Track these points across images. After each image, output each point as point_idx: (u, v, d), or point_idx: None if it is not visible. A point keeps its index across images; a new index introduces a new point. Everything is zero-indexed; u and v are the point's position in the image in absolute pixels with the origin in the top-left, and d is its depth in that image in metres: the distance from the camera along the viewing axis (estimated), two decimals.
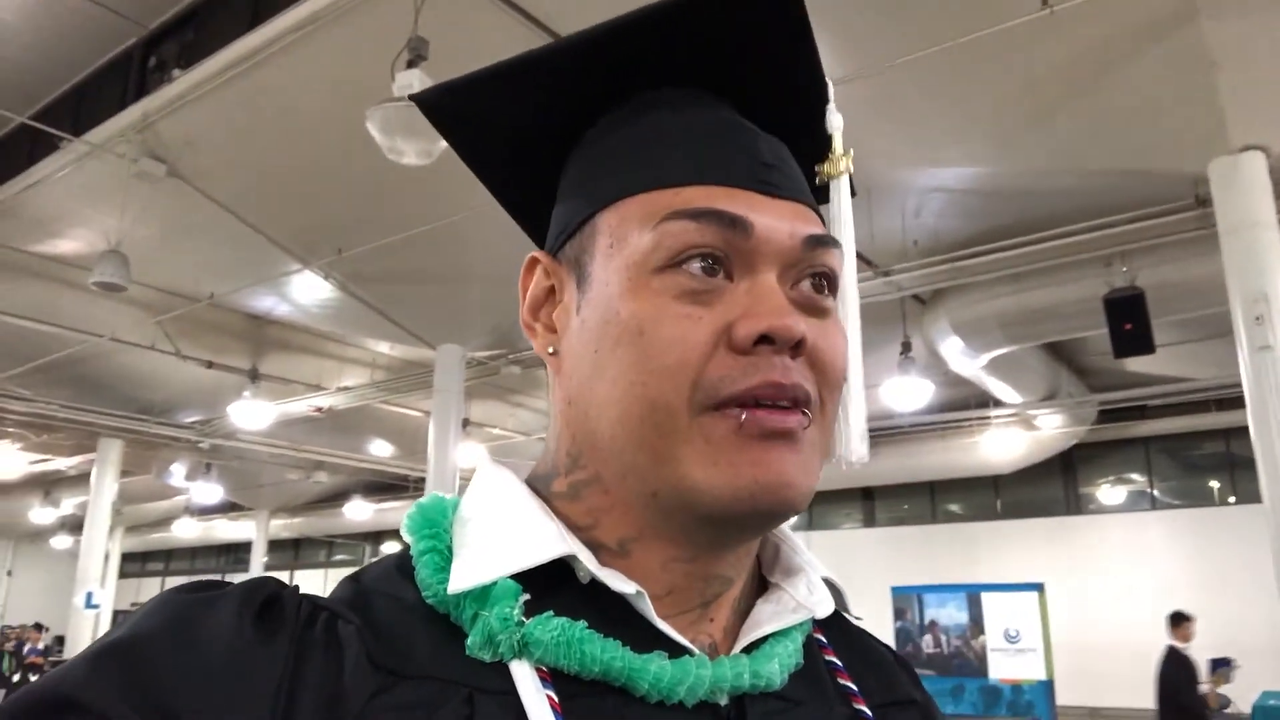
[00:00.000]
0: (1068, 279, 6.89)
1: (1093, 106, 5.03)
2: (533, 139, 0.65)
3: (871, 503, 14.96)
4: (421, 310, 8.61)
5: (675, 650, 0.55)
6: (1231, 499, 11.67)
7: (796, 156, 0.62)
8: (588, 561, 0.55)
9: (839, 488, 14.21)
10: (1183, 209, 5.73)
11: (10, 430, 12.39)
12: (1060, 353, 9.92)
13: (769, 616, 0.60)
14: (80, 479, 15.22)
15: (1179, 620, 6.65)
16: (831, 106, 0.63)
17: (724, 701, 0.56)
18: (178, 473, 14.38)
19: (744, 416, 0.53)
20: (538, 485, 0.62)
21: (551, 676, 0.52)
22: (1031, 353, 9.06)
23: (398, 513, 16.17)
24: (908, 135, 5.78)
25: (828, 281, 0.59)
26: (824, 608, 0.64)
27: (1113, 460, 12.76)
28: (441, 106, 0.65)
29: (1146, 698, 10.55)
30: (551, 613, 0.53)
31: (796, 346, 0.54)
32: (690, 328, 0.54)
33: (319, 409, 11.56)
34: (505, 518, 0.59)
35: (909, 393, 8.63)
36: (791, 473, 0.54)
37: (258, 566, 18.78)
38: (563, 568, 0.56)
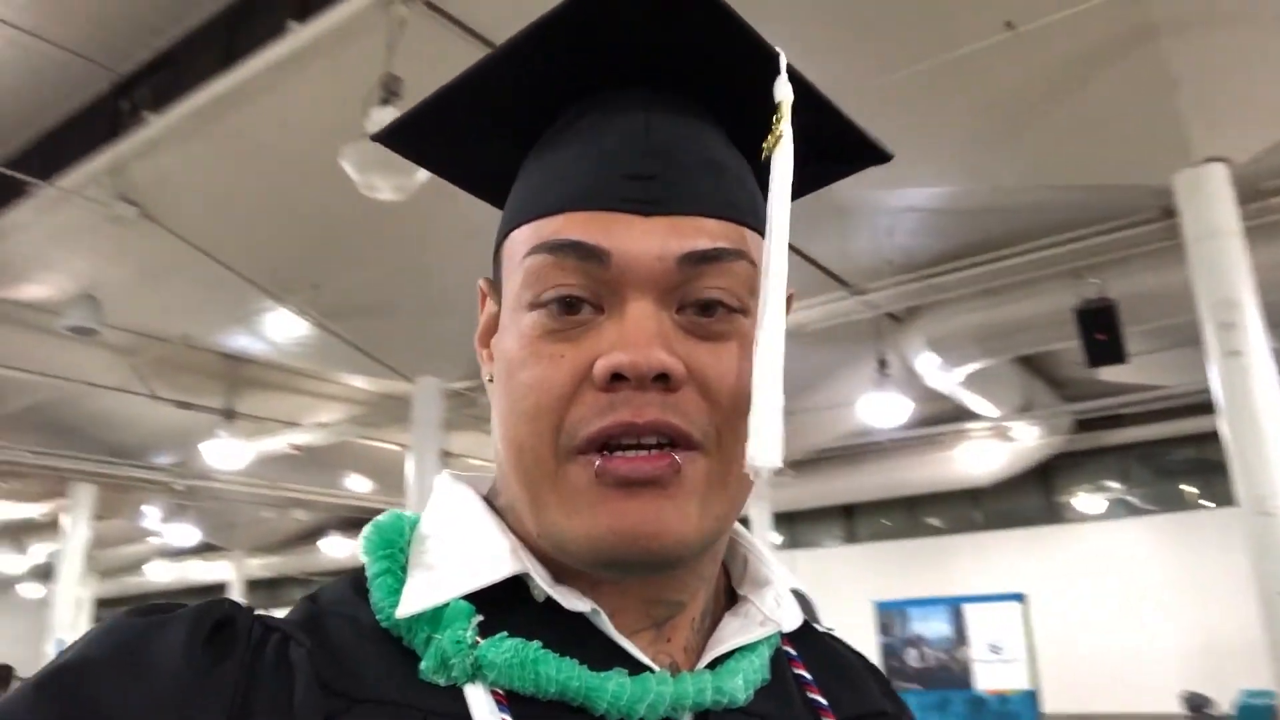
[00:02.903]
0: (1039, 292, 7.00)
1: (1058, 124, 5.14)
2: (496, 153, 0.63)
3: (852, 520, 14.99)
4: (398, 344, 8.58)
5: (635, 668, 0.53)
6: (1207, 503, 11.82)
7: (754, 141, 0.57)
8: (541, 579, 0.54)
9: (819, 505, 14.24)
10: (1150, 220, 5.86)
11: None
12: (1035, 365, 10.05)
13: (734, 631, 0.59)
14: (50, 525, 14.93)
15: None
16: (782, 78, 0.56)
17: (687, 719, 0.54)
18: (152, 515, 14.17)
19: (597, 464, 0.51)
20: (496, 501, 0.60)
21: (508, 699, 0.51)
22: (1006, 366, 9.17)
23: None
24: None
25: (721, 304, 0.54)
26: (791, 620, 0.63)
27: (1090, 469, 12.89)
28: (404, 140, 0.64)
29: (1131, 702, 10.66)
30: (506, 633, 0.52)
31: (664, 379, 0.50)
32: (550, 370, 0.52)
33: (296, 446, 11.44)
34: (459, 536, 0.57)
35: (887, 409, 8.70)
36: (658, 521, 0.51)
37: None
38: (519, 586, 0.55)
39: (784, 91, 0.56)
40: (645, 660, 0.54)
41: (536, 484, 0.53)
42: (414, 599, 0.53)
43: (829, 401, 9.45)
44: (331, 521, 17.29)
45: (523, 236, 0.56)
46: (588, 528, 0.51)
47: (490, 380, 0.60)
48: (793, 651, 0.65)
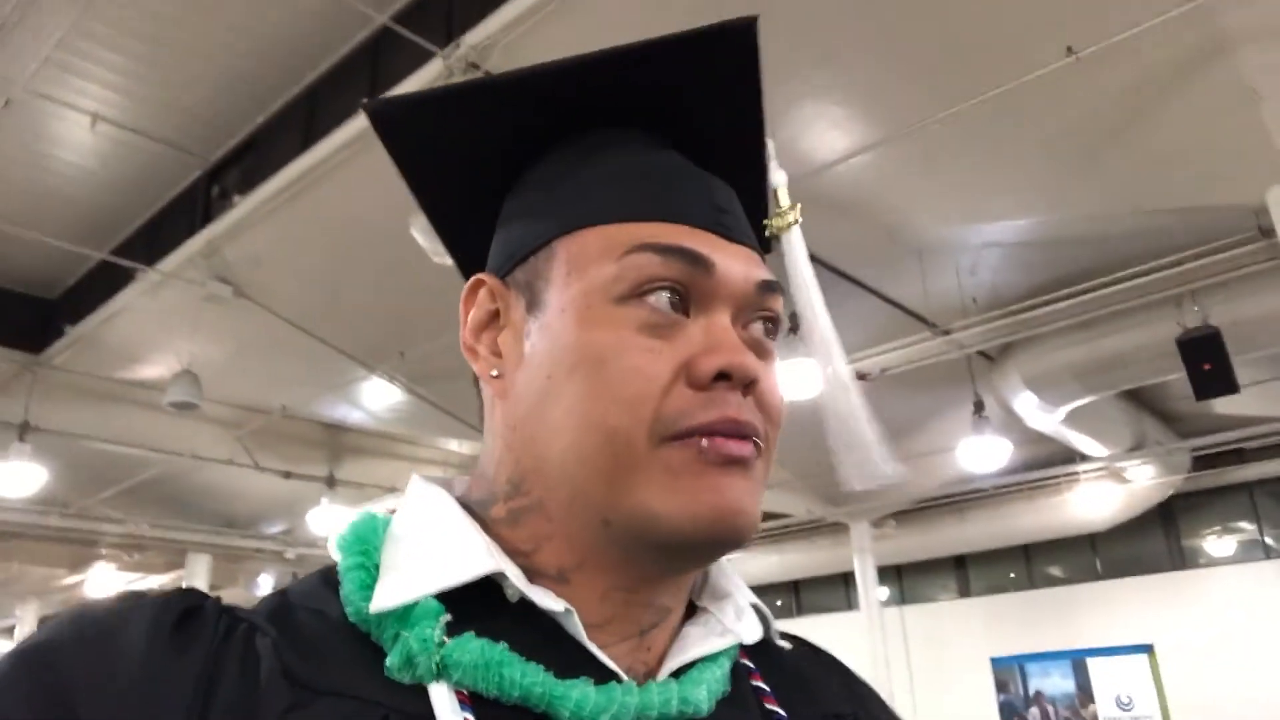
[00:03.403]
0: (1138, 323, 6.67)
1: (1135, 148, 4.93)
2: (476, 164, 0.65)
3: (965, 571, 14.39)
4: None
5: (603, 675, 0.54)
6: None
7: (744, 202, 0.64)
8: (515, 579, 0.54)
9: (930, 558, 13.74)
10: (1247, 241, 5.54)
11: (105, 552, 12.79)
12: (1142, 400, 9.54)
13: (696, 640, 0.60)
14: None
15: None
16: (774, 164, 0.64)
17: None
18: (265, 584, 14.62)
19: (704, 443, 0.54)
20: (474, 509, 0.60)
21: (472, 700, 0.51)
22: (1111, 402, 8.73)
23: None
24: (952, 193, 5.73)
25: (773, 324, 0.61)
26: (751, 633, 0.63)
27: (1216, 509, 12.10)
28: (388, 118, 0.65)
29: None
30: (473, 633, 0.52)
31: (749, 385, 0.55)
32: (651, 360, 0.54)
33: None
34: (432, 535, 0.57)
35: (986, 453, 8.35)
36: (745, 500, 0.55)
37: None
38: (492, 588, 0.55)
39: (781, 176, 0.64)
40: (613, 667, 0.55)
41: (624, 468, 0.54)
42: (386, 595, 0.53)
43: (928, 448, 9.16)
44: None
45: (608, 236, 0.58)
46: (689, 504, 0.53)
47: (496, 375, 0.61)
48: (750, 664, 0.65)
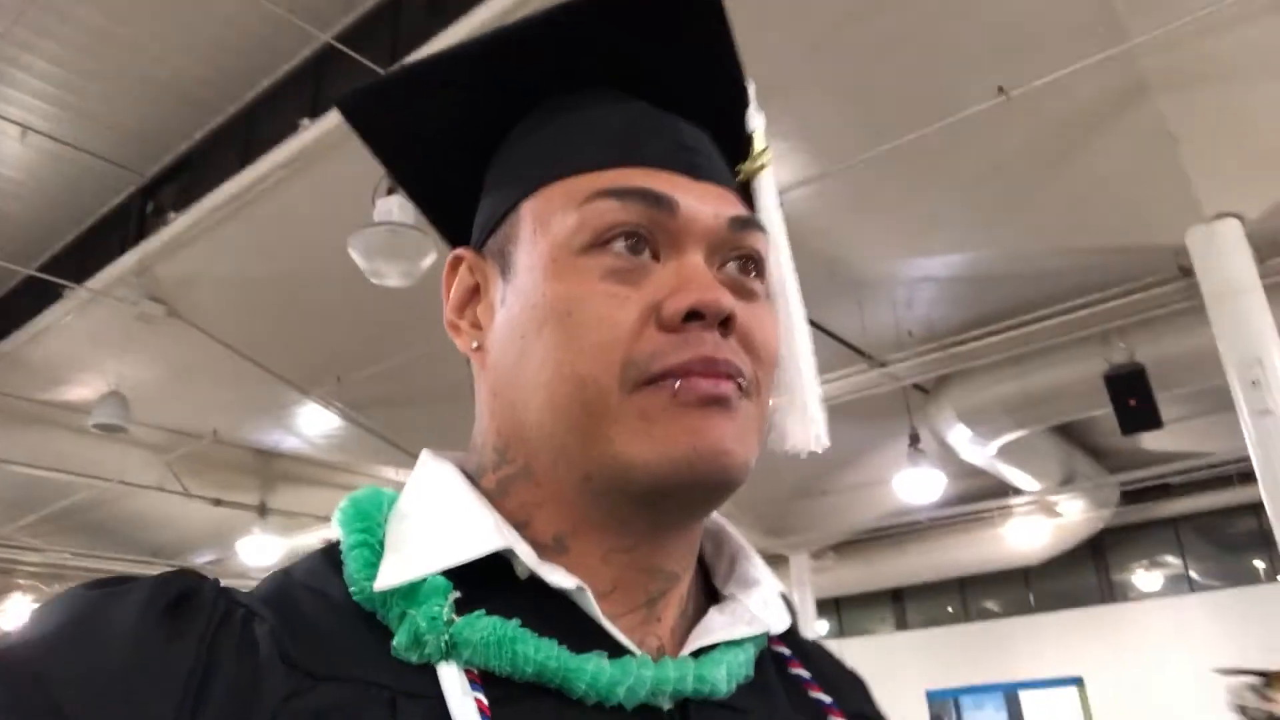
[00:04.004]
0: (1067, 359, 6.85)
1: (1063, 186, 5.10)
2: (450, 141, 0.64)
3: (902, 604, 14.55)
4: (424, 432, 8.61)
5: (617, 651, 0.52)
6: (1276, 576, 11.29)
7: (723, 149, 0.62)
8: (525, 556, 0.53)
9: (869, 590, 13.85)
10: (1169, 280, 5.74)
11: (22, 582, 12.29)
12: (1072, 435, 9.79)
13: (722, 625, 0.58)
14: None
15: None
16: (753, 107, 0.63)
17: (667, 705, 0.53)
18: None
19: (678, 384, 0.52)
20: (480, 479, 0.59)
21: (483, 679, 0.49)
22: (1042, 437, 8.94)
23: None
24: (888, 227, 5.85)
25: (755, 265, 0.59)
26: (779, 623, 0.62)
27: (1144, 543, 12.42)
28: (358, 111, 0.64)
29: None
30: (483, 611, 0.50)
31: (725, 324, 0.53)
32: (617, 306, 0.53)
33: (328, 541, 11.46)
34: (439, 511, 0.56)
35: (922, 485, 8.49)
36: (729, 439, 0.53)
37: None
38: (501, 564, 0.53)
39: (759, 120, 0.63)
40: (627, 643, 0.53)
41: (597, 418, 0.53)
42: (391, 573, 0.51)
43: (865, 480, 9.28)
44: None
45: (569, 188, 0.57)
46: (665, 447, 0.52)
47: (476, 347, 0.60)
48: (787, 651, 0.65)
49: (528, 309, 0.56)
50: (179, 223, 6.15)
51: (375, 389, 7.61)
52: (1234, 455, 9.47)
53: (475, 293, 0.62)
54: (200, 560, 12.63)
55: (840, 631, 14.75)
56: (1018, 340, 6.70)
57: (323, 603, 0.52)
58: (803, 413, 0.59)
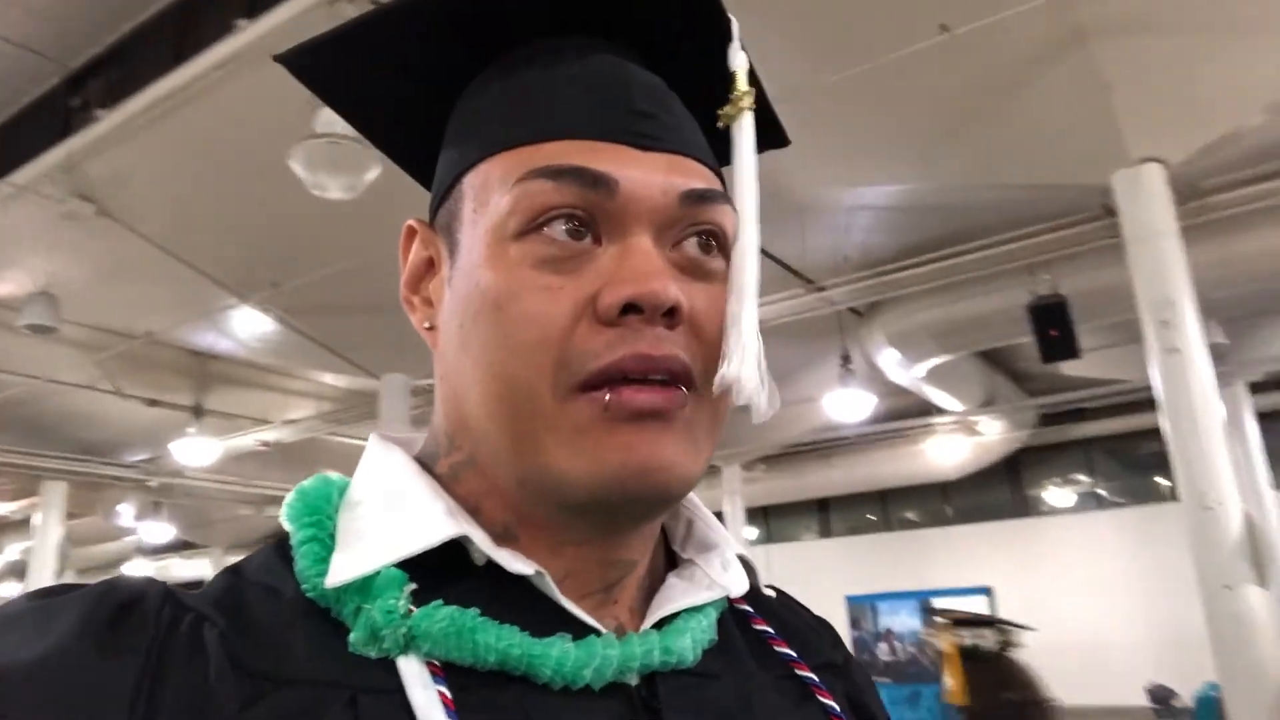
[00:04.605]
0: (994, 289, 7.08)
1: (1000, 124, 5.21)
2: (407, 98, 0.60)
3: (827, 514, 15.10)
4: (363, 340, 8.60)
5: (580, 631, 0.51)
6: (1176, 496, 11.95)
7: (705, 104, 0.57)
8: (481, 542, 0.51)
9: (793, 500, 14.33)
10: (1094, 219, 5.94)
11: None
12: (995, 360, 10.14)
13: (680, 593, 0.57)
14: (23, 523, 14.89)
15: None
16: (735, 44, 0.57)
17: (634, 681, 0.52)
18: (126, 513, 14.12)
19: (608, 397, 0.49)
20: (427, 465, 0.57)
21: (444, 670, 0.48)
22: (967, 361, 9.25)
23: None
24: (832, 156, 5.92)
25: (716, 241, 0.54)
26: (739, 586, 0.61)
27: (1057, 463, 13.01)
28: (307, 67, 0.59)
29: (1098, 694, 10.78)
30: (441, 601, 0.49)
31: (670, 314, 0.50)
32: (548, 301, 0.50)
33: (266, 443, 11.45)
34: (391, 500, 0.53)
35: (851, 404, 8.78)
36: (666, 455, 0.50)
37: None
38: (457, 551, 0.51)
39: (741, 59, 0.57)
40: (591, 622, 0.52)
41: (529, 423, 0.50)
42: (343, 568, 0.50)
43: (797, 396, 9.51)
44: None
45: (506, 164, 0.52)
46: (595, 465, 0.49)
47: (429, 327, 0.58)
48: (750, 609, 0.64)
49: (466, 296, 0.53)
50: (107, 120, 5.93)
51: (313, 296, 7.54)
52: (1143, 384, 9.92)
53: (430, 266, 0.59)
54: (134, 458, 12.54)
55: (768, 538, 15.29)
56: (948, 269, 6.90)
57: (275, 602, 0.50)
58: (734, 355, 0.53)
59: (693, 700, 0.53)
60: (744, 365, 0.51)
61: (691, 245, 0.53)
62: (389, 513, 0.53)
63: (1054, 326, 6.55)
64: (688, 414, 0.51)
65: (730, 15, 0.57)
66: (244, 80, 5.42)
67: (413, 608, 0.48)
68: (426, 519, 0.51)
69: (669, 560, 0.61)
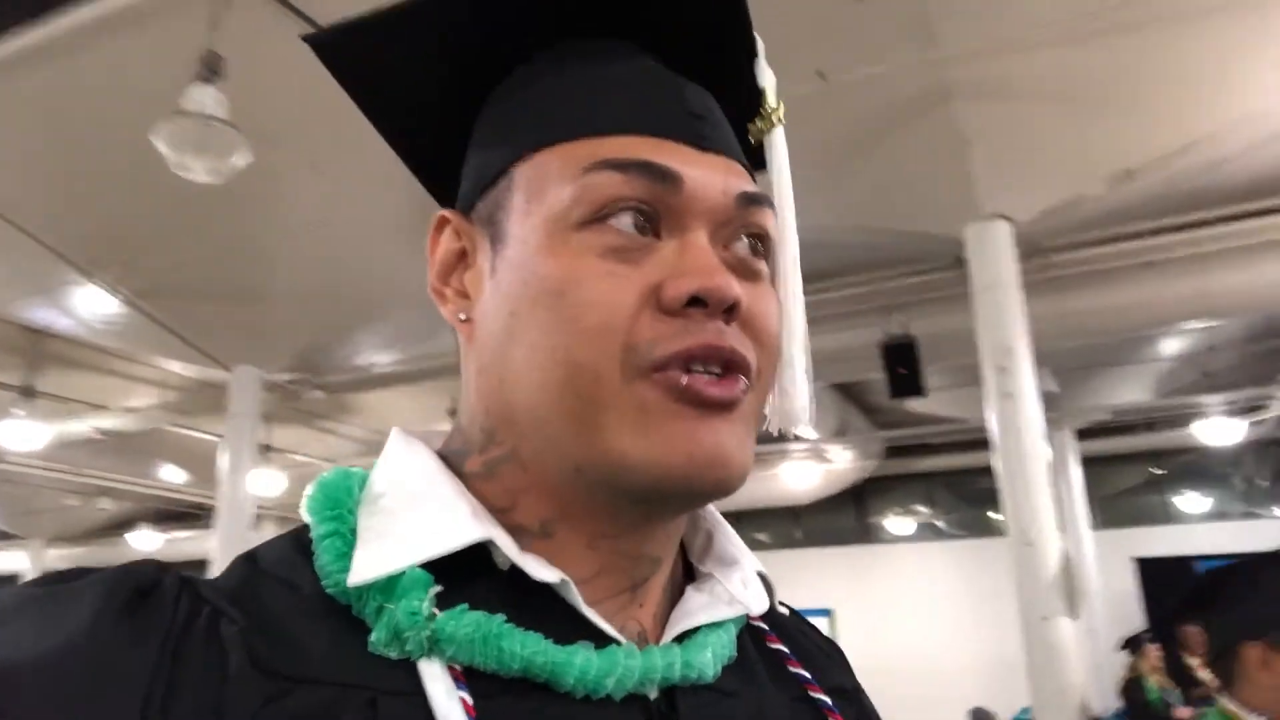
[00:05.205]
0: (852, 326, 7.37)
1: (869, 171, 5.46)
2: (439, 89, 0.60)
3: None
4: (216, 329, 8.24)
5: (602, 640, 0.51)
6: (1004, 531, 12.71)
7: (733, 119, 0.59)
8: (506, 547, 0.51)
9: None
10: (946, 267, 6.30)
11: None
12: (850, 393, 10.58)
13: (701, 606, 0.57)
14: None
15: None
16: (761, 61, 0.59)
17: (654, 694, 0.52)
18: None
19: (685, 380, 0.50)
20: (451, 464, 0.57)
21: (466, 675, 0.47)
22: (825, 391, 9.62)
23: (190, 543, 15.19)
24: None
25: (764, 244, 0.56)
26: (759, 604, 0.61)
27: (899, 493, 13.64)
28: (334, 48, 0.59)
29: (925, 715, 11.32)
30: (466, 605, 0.49)
31: (730, 310, 0.51)
32: (615, 287, 0.50)
33: (102, 431, 10.78)
34: (415, 498, 0.53)
35: None
36: (729, 449, 0.51)
37: None
38: (481, 553, 0.51)
39: (769, 77, 0.59)
40: (612, 633, 0.52)
41: (593, 405, 0.50)
42: (367, 566, 0.49)
43: None
44: (141, 513, 16.32)
45: (566, 155, 0.53)
46: (662, 450, 0.49)
47: (464, 319, 0.57)
48: (766, 627, 0.64)
49: (519, 284, 0.53)
50: None
51: (166, 279, 7.18)
52: (980, 424, 10.55)
53: (462, 258, 0.59)
54: None
55: None
56: (812, 305, 7.02)
57: (293, 597, 0.49)
58: (790, 390, 0.58)
59: (711, 716, 0.54)
60: (796, 400, 0.57)
61: (742, 246, 0.55)
62: (413, 512, 0.52)
63: (903, 364, 6.89)
64: (745, 408, 0.53)
65: (756, 35, 0.59)
66: (113, 44, 5.15)
67: (436, 610, 0.48)
68: (452, 520, 0.51)
69: (686, 570, 0.62)
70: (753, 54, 0.60)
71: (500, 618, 0.49)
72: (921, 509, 13.64)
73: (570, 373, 0.50)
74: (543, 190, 0.53)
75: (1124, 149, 5.25)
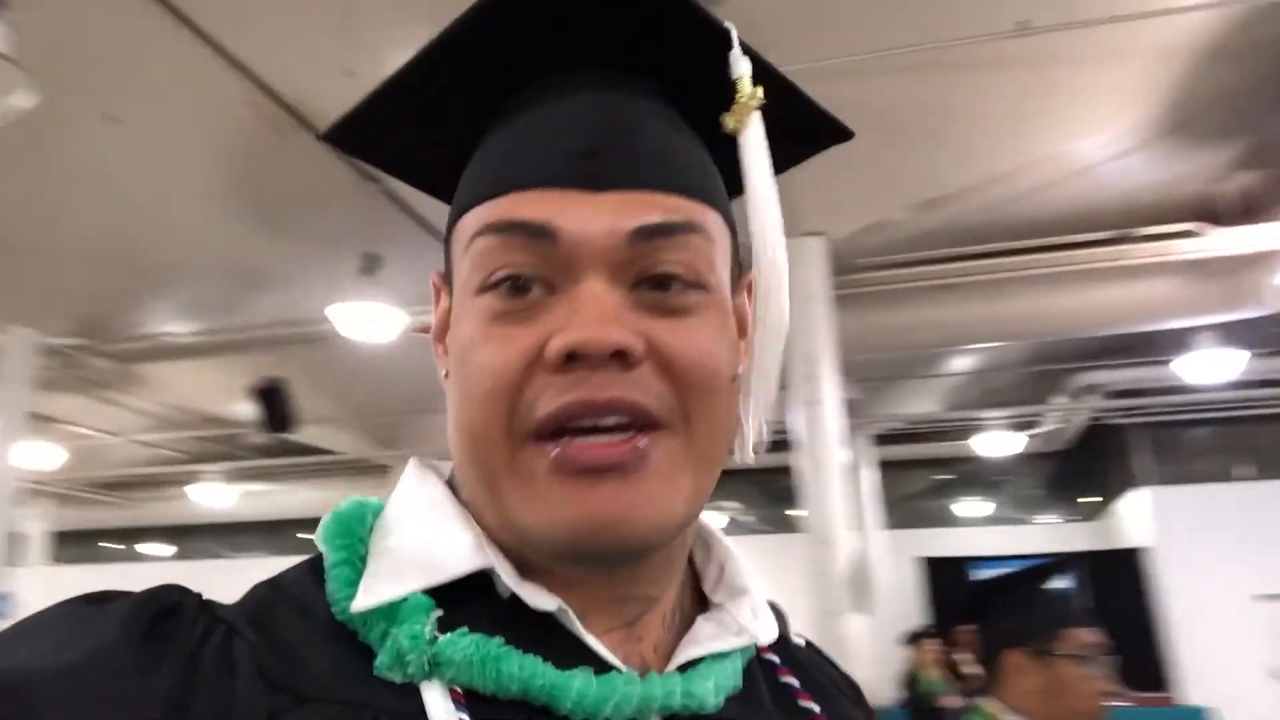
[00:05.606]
0: None
1: None
2: (433, 148, 0.61)
3: None
4: None
5: (602, 667, 0.51)
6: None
7: (709, 121, 0.55)
8: (506, 576, 0.52)
9: None
10: None
11: None
12: None
13: (709, 636, 0.57)
14: None
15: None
16: (736, 50, 0.55)
17: None
18: None
19: (555, 452, 0.49)
20: (458, 492, 0.57)
21: (467, 698, 0.48)
22: None
23: None
24: None
25: (678, 280, 0.52)
26: (767, 634, 0.61)
27: (714, 491, 14.06)
28: (349, 140, 0.61)
29: None
30: (466, 629, 0.49)
31: (621, 357, 0.48)
32: (501, 350, 0.50)
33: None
34: (422, 528, 0.54)
35: None
36: (623, 507, 0.49)
37: None
38: (484, 580, 0.52)
39: (743, 65, 0.55)
40: (612, 660, 0.52)
41: (493, 472, 0.51)
42: (371, 593, 0.50)
43: None
44: None
45: (470, 222, 0.54)
46: (548, 520, 0.49)
47: (446, 376, 0.57)
48: (777, 659, 0.63)
49: (453, 348, 0.55)
50: None
51: None
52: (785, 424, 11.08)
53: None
54: None
55: None
56: None
57: (306, 621, 0.51)
58: (743, 420, 0.57)
59: None
60: (753, 441, 0.57)
61: (651, 283, 0.52)
62: (418, 540, 0.54)
63: None
64: (655, 456, 0.50)
65: (727, 23, 0.56)
66: None
67: (438, 634, 0.49)
68: (455, 549, 0.52)
69: (701, 603, 0.61)
70: (726, 45, 0.56)
71: (498, 640, 0.49)
72: (733, 505, 14.12)
73: (473, 440, 0.51)
74: (459, 258, 0.55)
75: (930, 179, 5.60)
